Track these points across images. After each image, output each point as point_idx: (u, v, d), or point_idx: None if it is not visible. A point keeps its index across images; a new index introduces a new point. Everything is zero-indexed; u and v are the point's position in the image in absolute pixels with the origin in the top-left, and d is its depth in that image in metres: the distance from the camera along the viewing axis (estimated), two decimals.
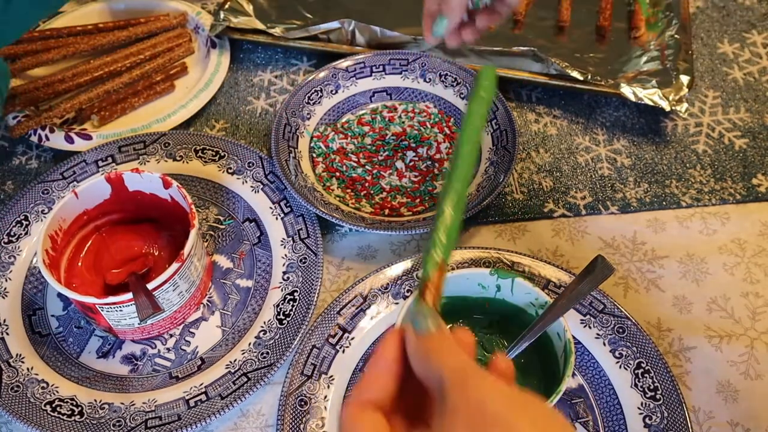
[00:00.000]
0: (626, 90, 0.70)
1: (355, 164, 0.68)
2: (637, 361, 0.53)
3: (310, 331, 0.56)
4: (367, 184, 0.67)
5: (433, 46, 0.57)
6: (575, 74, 0.71)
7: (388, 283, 0.58)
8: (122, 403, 0.54)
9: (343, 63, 0.74)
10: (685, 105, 0.69)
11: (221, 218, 0.65)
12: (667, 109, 0.69)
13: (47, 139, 0.70)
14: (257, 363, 0.55)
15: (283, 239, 0.62)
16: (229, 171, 0.67)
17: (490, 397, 0.27)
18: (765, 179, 0.67)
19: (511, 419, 0.26)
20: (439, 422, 0.28)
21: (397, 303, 0.58)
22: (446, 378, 0.28)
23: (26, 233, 0.63)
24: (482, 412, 0.26)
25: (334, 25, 0.76)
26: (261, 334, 0.57)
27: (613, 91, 0.70)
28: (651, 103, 0.69)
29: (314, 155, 0.69)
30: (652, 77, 0.71)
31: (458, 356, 0.30)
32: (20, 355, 0.56)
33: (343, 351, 0.56)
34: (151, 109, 0.74)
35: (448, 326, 0.38)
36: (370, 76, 0.74)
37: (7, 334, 0.57)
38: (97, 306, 0.52)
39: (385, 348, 0.32)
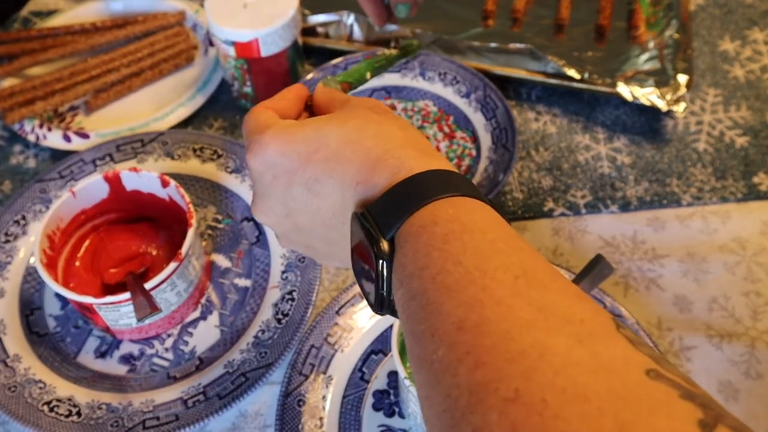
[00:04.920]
0: (623, 89, 0.70)
1: None
2: None
3: (309, 331, 0.56)
4: None
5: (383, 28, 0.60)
6: (572, 73, 0.71)
7: None
8: (120, 404, 0.53)
9: (342, 61, 0.73)
10: (682, 105, 0.68)
11: (219, 217, 0.64)
12: (664, 109, 0.68)
13: (44, 138, 0.70)
14: (256, 363, 0.54)
15: None
16: (228, 170, 0.66)
17: (384, 105, 0.38)
18: (766, 177, 0.67)
19: (396, 115, 0.37)
20: (342, 110, 0.37)
21: None
22: (352, 97, 0.38)
23: (24, 233, 0.62)
24: (381, 106, 0.37)
25: (333, 17, 0.76)
26: (259, 334, 0.56)
27: (610, 90, 0.70)
28: (647, 103, 0.69)
29: None
30: (649, 77, 0.71)
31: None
32: (18, 355, 0.56)
33: (342, 350, 0.55)
34: (149, 108, 0.74)
35: None
36: None
37: (5, 334, 0.57)
38: (94, 306, 0.52)
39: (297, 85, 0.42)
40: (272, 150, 0.35)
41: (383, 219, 0.31)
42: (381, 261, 0.31)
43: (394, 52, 0.49)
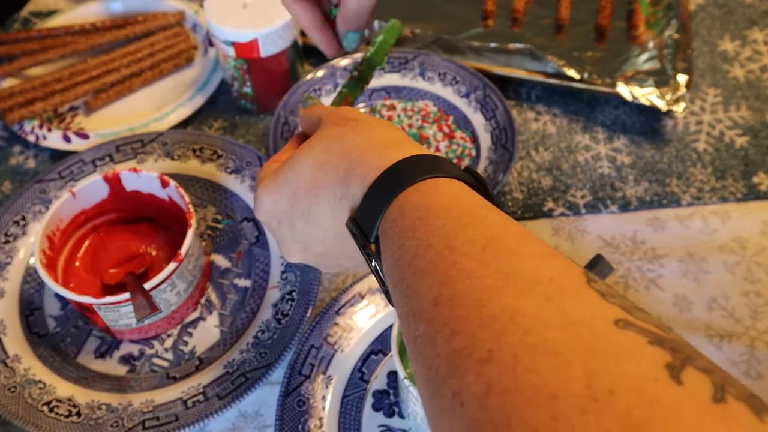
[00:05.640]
0: (623, 89, 0.70)
1: None
2: None
3: (309, 331, 0.56)
4: None
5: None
6: (571, 73, 0.71)
7: None
8: (120, 404, 0.53)
9: (342, 61, 0.73)
10: (682, 105, 0.68)
11: (219, 218, 0.64)
12: (664, 109, 0.68)
13: (44, 138, 0.70)
14: (255, 363, 0.54)
15: None
16: (227, 170, 0.66)
17: (351, 111, 0.40)
18: (766, 177, 0.67)
19: (361, 117, 0.39)
20: (314, 134, 0.39)
21: None
22: (322, 113, 0.40)
23: (23, 233, 0.62)
24: (344, 116, 0.39)
25: None
26: (259, 334, 0.56)
27: (610, 90, 0.70)
28: (647, 103, 0.69)
29: None
30: (649, 77, 0.71)
31: (330, 107, 0.44)
32: (17, 355, 0.56)
33: (342, 350, 0.55)
34: (149, 108, 0.74)
35: None
36: None
37: (5, 334, 0.57)
38: (94, 306, 0.52)
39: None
40: (266, 201, 0.39)
41: (365, 223, 0.34)
42: (372, 261, 0.34)
43: (371, 49, 0.50)
